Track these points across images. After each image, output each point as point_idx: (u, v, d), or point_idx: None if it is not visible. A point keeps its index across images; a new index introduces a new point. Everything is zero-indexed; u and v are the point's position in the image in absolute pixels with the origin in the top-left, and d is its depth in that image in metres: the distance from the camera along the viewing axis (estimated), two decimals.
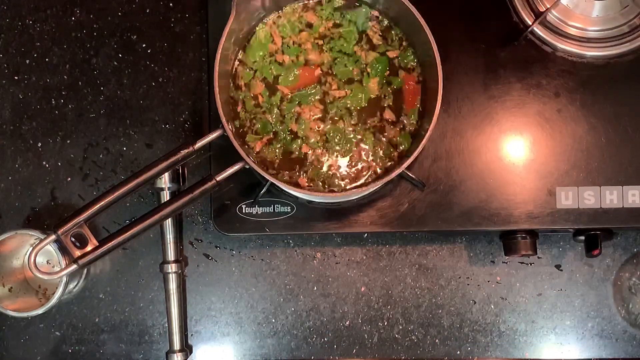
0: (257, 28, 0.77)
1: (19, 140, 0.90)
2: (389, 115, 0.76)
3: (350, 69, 0.77)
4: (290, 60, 0.77)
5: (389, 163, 0.76)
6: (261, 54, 0.77)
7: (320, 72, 0.77)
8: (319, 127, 0.76)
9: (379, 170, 0.76)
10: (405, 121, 0.76)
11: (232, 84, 0.77)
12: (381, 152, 0.76)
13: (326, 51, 0.77)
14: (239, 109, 0.77)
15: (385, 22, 0.78)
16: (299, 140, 0.76)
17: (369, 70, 0.77)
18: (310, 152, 0.76)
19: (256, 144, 0.76)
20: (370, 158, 0.76)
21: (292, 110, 0.76)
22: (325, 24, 0.78)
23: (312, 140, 0.76)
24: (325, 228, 0.81)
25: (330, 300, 0.88)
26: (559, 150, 0.80)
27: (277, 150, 0.76)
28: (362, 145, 0.76)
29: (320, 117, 0.76)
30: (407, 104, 0.76)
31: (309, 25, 0.78)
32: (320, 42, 0.77)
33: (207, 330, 0.88)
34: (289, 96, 0.76)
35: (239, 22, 0.73)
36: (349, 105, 0.76)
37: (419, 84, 0.76)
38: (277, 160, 0.76)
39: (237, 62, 0.77)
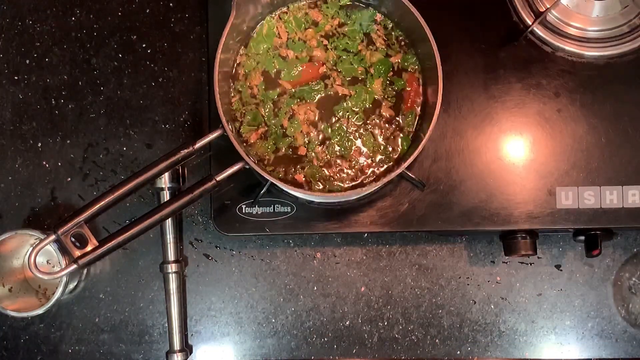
0: (262, 21, 0.78)
1: (19, 140, 0.90)
2: (387, 112, 0.76)
3: (355, 66, 0.77)
4: (295, 56, 0.77)
5: (388, 164, 0.76)
6: (265, 46, 0.77)
7: (325, 68, 0.77)
8: (309, 132, 0.76)
9: (378, 171, 0.76)
10: (401, 122, 0.76)
11: (231, 76, 0.77)
12: (380, 153, 0.76)
13: (331, 49, 0.77)
14: (235, 99, 0.77)
15: (389, 25, 0.78)
16: (288, 139, 0.76)
17: (372, 71, 0.77)
18: (310, 152, 0.76)
19: (251, 135, 0.76)
20: (370, 159, 0.76)
21: (290, 106, 0.76)
22: (331, 22, 0.78)
23: (300, 141, 0.75)
24: (325, 228, 0.81)
25: (330, 300, 0.88)
26: (559, 150, 0.80)
27: (271, 145, 0.76)
28: (362, 146, 0.76)
29: (314, 122, 0.76)
30: (406, 106, 0.76)
31: (315, 24, 0.78)
32: (325, 41, 0.77)
33: (207, 330, 0.88)
34: (293, 91, 0.76)
35: (239, 21, 0.73)
36: (352, 107, 0.76)
37: (419, 86, 0.76)
38: (273, 156, 0.76)
39: (239, 53, 0.77)
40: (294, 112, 0.76)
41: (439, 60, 0.71)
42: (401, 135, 0.76)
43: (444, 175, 0.80)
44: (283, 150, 0.76)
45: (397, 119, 0.76)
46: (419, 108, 0.76)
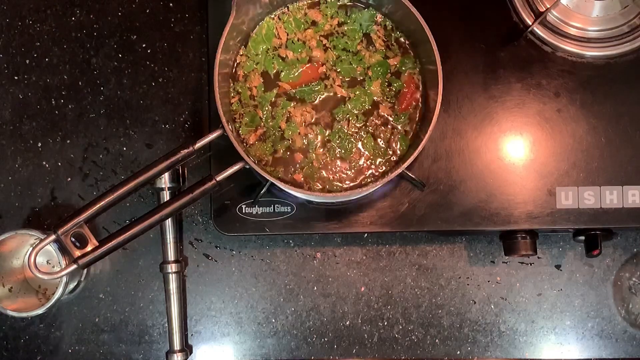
0: (262, 22, 0.78)
1: (19, 140, 0.90)
2: (385, 112, 0.76)
3: (354, 66, 0.77)
4: (295, 57, 0.77)
5: (387, 166, 0.76)
6: (264, 47, 0.77)
7: (325, 68, 0.77)
8: (307, 133, 0.76)
9: (377, 172, 0.76)
10: (394, 123, 0.76)
11: (231, 76, 0.77)
12: (380, 155, 0.76)
13: (330, 48, 0.77)
14: (234, 100, 0.77)
15: (389, 26, 0.78)
16: (286, 142, 0.76)
17: (370, 73, 0.77)
18: (311, 154, 0.76)
19: (250, 137, 0.76)
20: (369, 161, 0.76)
21: (286, 109, 0.76)
22: (330, 22, 0.78)
23: (299, 144, 0.76)
24: (325, 228, 0.81)
25: (330, 300, 0.88)
26: (559, 150, 0.80)
27: (269, 147, 0.76)
28: (362, 148, 0.76)
29: (312, 124, 0.76)
30: (401, 107, 0.76)
31: (314, 23, 0.78)
32: (325, 40, 0.77)
33: (207, 330, 0.88)
34: (293, 92, 0.76)
35: (239, 21, 0.73)
36: (352, 109, 0.76)
37: (417, 89, 0.76)
38: (271, 158, 0.76)
39: (239, 53, 0.77)
40: (290, 114, 0.76)
41: (439, 61, 0.71)
42: (399, 136, 0.76)
43: (444, 175, 0.80)
44: (281, 153, 0.76)
45: (391, 120, 0.76)
46: (419, 108, 0.76)
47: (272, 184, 0.76)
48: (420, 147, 0.70)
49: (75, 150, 0.90)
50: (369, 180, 0.75)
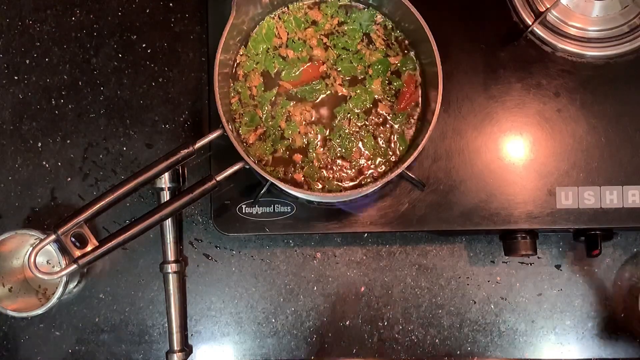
0: (262, 22, 0.78)
1: (19, 140, 0.90)
2: (385, 110, 0.76)
3: (355, 65, 0.77)
4: (296, 56, 0.77)
5: (387, 166, 0.76)
6: (264, 46, 0.77)
7: (325, 67, 0.77)
8: (307, 132, 0.76)
9: (377, 173, 0.76)
10: (393, 123, 0.76)
11: (231, 76, 0.77)
12: (380, 155, 0.76)
13: (330, 47, 0.77)
14: (234, 100, 0.77)
15: (389, 25, 0.78)
16: (286, 141, 0.76)
17: (370, 71, 0.77)
18: (311, 153, 0.76)
19: (250, 136, 0.76)
20: (370, 160, 0.76)
21: (286, 108, 0.76)
22: (330, 22, 0.78)
23: (299, 143, 0.76)
24: (325, 228, 0.81)
25: (330, 300, 0.88)
26: (559, 150, 0.80)
27: (269, 147, 0.76)
28: (362, 147, 0.76)
29: (312, 123, 0.76)
30: (399, 107, 0.76)
31: (314, 23, 0.78)
32: (325, 39, 0.77)
33: (207, 330, 0.88)
34: (295, 91, 0.76)
35: (239, 21, 0.73)
36: (353, 108, 0.76)
37: (417, 88, 0.76)
38: (271, 157, 0.76)
39: (239, 53, 0.77)
40: (290, 114, 0.76)
41: (439, 61, 0.71)
42: (397, 135, 0.76)
43: (444, 175, 0.80)
44: (281, 152, 0.76)
45: (389, 119, 0.76)
46: (418, 108, 0.76)
47: (272, 184, 0.76)
48: (420, 147, 0.70)
49: (75, 150, 0.90)
50: (368, 180, 0.75)
